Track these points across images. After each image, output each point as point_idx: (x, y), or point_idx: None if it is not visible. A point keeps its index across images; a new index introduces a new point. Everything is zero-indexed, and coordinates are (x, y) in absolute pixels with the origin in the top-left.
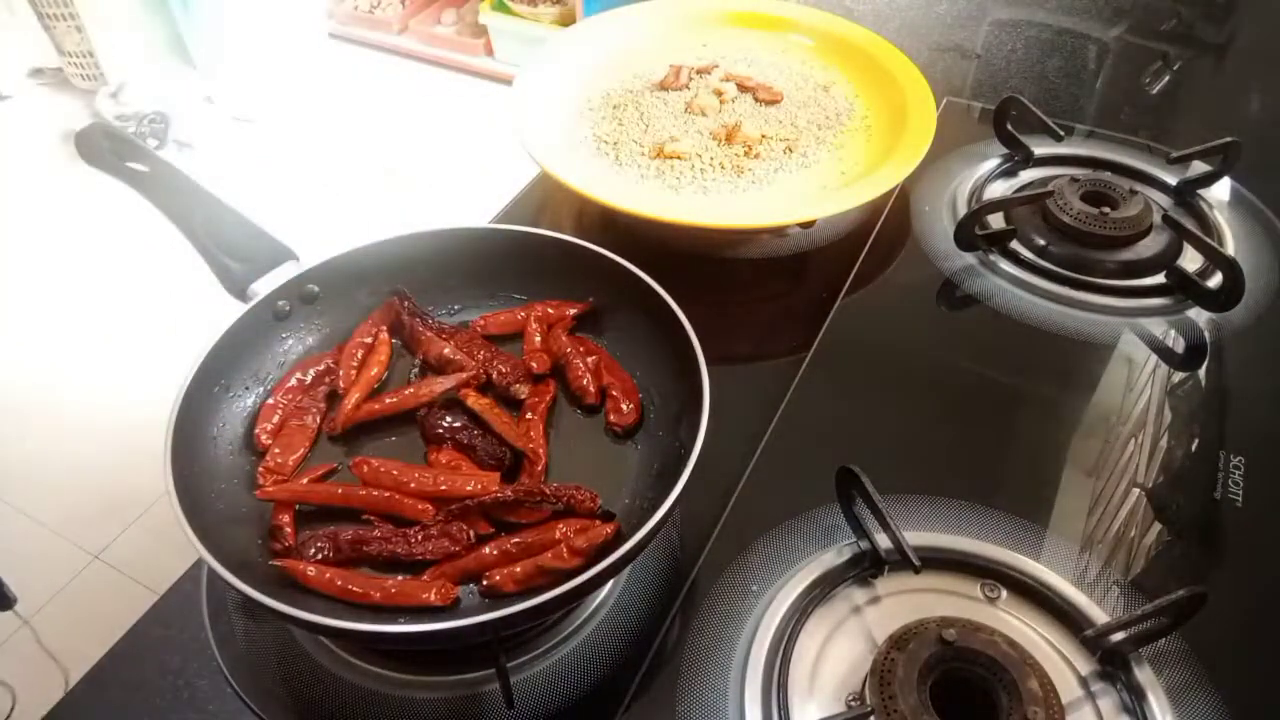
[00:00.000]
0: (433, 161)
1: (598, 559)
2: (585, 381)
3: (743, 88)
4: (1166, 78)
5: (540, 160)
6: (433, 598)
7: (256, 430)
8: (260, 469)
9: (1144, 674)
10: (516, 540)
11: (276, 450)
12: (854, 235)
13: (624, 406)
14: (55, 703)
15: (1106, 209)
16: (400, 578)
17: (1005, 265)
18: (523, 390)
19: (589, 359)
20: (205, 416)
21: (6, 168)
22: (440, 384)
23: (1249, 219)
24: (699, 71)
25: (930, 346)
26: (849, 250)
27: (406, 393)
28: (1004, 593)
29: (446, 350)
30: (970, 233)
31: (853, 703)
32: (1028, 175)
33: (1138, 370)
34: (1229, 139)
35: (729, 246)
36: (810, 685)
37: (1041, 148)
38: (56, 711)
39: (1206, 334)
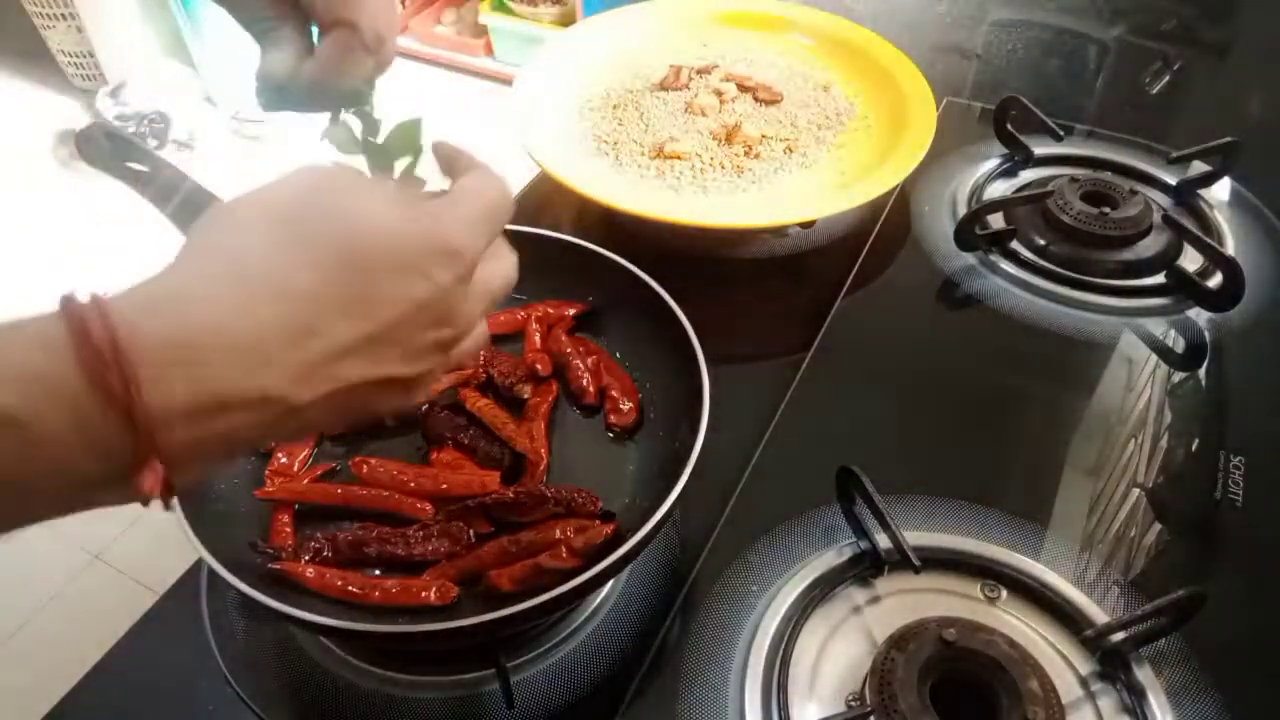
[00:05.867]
0: (433, 161)
1: (597, 559)
2: (585, 382)
3: (743, 88)
4: (1166, 78)
5: (540, 160)
6: (433, 598)
7: None
8: (267, 471)
9: (1144, 674)
10: (516, 540)
11: (281, 452)
12: (854, 235)
13: (624, 406)
14: (55, 703)
15: (1106, 209)
16: (400, 578)
17: (1005, 265)
18: (525, 390)
19: (589, 359)
20: None
21: (6, 168)
22: (440, 383)
23: (1249, 219)
24: (699, 71)
25: (930, 346)
26: (849, 250)
27: None
28: (1004, 593)
29: None
30: (970, 233)
31: (853, 703)
32: (1028, 175)
33: (1138, 370)
34: (1229, 139)
35: (729, 246)
36: (810, 685)
37: (1041, 148)
38: (57, 711)
39: (1206, 334)
